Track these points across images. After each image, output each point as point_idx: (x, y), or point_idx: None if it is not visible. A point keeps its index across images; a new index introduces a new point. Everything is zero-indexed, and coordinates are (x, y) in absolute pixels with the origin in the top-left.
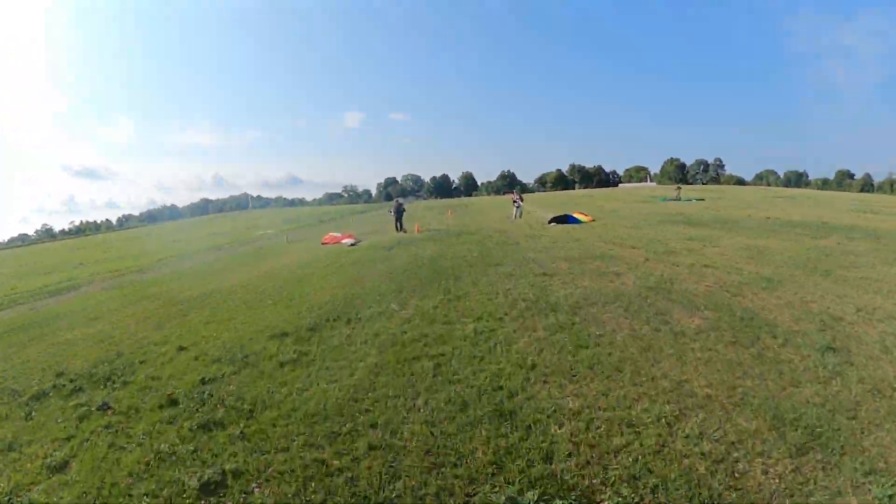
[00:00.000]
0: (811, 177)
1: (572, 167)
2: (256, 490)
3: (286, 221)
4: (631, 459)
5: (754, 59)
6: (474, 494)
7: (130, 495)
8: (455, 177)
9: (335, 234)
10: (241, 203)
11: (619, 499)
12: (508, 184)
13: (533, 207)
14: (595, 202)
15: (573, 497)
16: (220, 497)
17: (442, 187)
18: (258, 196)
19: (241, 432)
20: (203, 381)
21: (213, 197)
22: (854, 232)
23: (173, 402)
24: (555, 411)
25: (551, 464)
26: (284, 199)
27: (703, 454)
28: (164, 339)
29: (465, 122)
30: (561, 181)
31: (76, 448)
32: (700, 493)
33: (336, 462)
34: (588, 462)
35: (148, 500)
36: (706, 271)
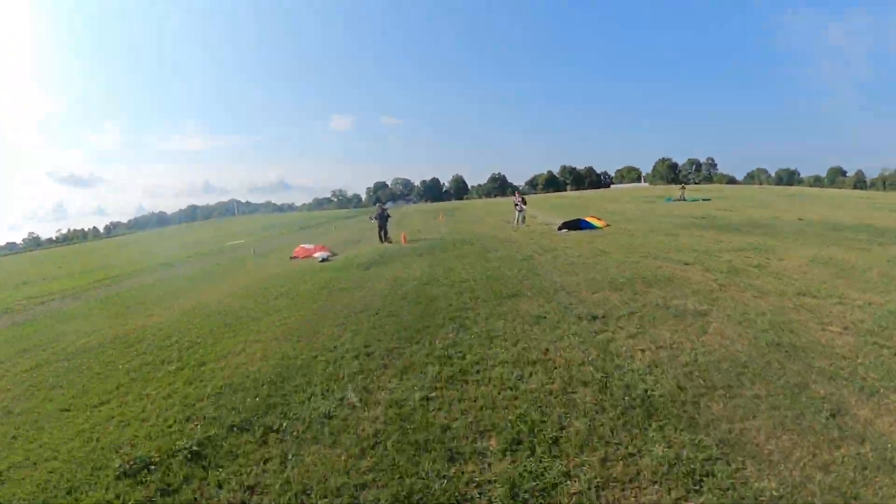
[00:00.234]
0: (803, 174)
1: (563, 168)
2: None
3: (265, 228)
4: None
5: (744, 59)
6: None
7: None
8: (446, 180)
9: (307, 245)
10: (229, 209)
11: None
12: (499, 186)
13: (533, 211)
14: (596, 203)
15: None
16: None
17: (432, 191)
18: (247, 202)
19: None
20: None
21: (201, 203)
22: None
23: None
24: None
25: None
26: (273, 204)
27: None
28: None
29: (456, 125)
30: (552, 183)
31: None
32: None
33: None
34: None
35: None
36: (816, 305)
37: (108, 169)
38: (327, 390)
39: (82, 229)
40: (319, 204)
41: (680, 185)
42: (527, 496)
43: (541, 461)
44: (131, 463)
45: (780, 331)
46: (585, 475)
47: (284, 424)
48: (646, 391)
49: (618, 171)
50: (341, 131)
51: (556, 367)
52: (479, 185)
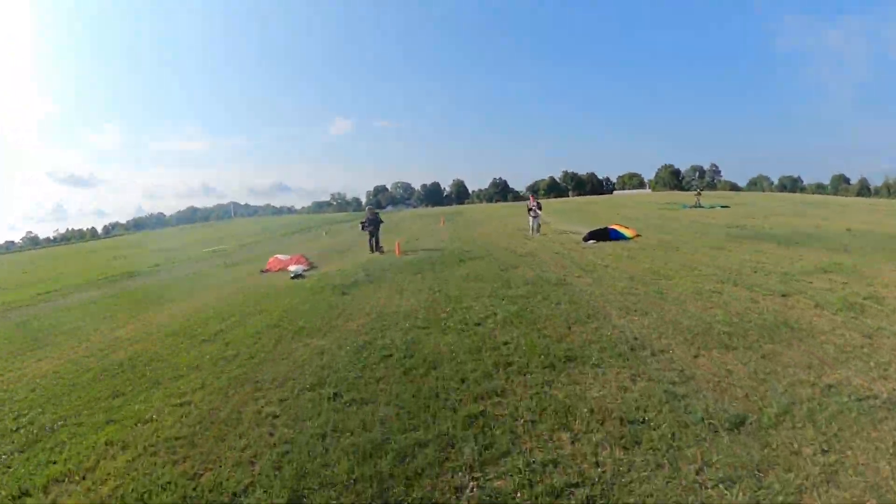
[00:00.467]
0: (805, 182)
1: (565, 174)
2: None
3: (256, 232)
4: None
5: (742, 64)
6: None
7: None
8: (446, 184)
9: (282, 257)
10: (226, 211)
11: None
12: (500, 191)
13: (545, 217)
14: (606, 210)
15: None
16: None
17: (433, 195)
18: (245, 204)
19: None
20: None
21: (200, 205)
22: None
23: None
24: None
25: None
26: (272, 206)
27: None
28: None
29: (456, 130)
30: (554, 188)
31: None
32: None
33: None
34: None
35: None
36: None
37: (108, 170)
38: None
39: (80, 229)
40: (319, 207)
41: (695, 192)
42: None
43: None
44: None
45: None
46: None
47: None
48: None
49: (619, 177)
50: (341, 134)
51: None
52: (481, 190)
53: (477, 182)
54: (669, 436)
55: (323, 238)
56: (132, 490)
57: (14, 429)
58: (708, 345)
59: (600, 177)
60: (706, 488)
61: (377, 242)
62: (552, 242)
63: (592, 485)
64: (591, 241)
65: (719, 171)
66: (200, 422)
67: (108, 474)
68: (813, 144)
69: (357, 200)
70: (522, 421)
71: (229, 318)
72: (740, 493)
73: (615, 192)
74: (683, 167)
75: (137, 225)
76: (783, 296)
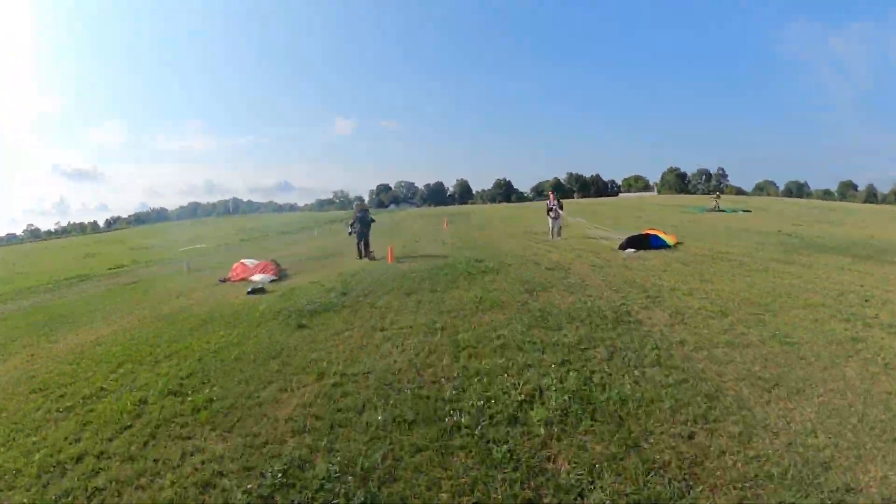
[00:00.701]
0: (812, 187)
1: (570, 175)
2: None
3: (247, 230)
4: None
5: (747, 69)
6: None
7: None
8: (450, 184)
9: (248, 262)
10: (226, 208)
11: None
12: (504, 192)
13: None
14: (618, 212)
15: None
16: None
17: (436, 194)
18: (248, 201)
19: None
20: None
21: (203, 201)
22: None
23: None
24: None
25: None
26: (275, 203)
27: None
28: None
29: (459, 129)
30: (558, 190)
31: None
32: None
33: None
34: None
35: None
36: None
37: (112, 167)
38: None
39: (82, 223)
40: (321, 205)
41: (714, 194)
42: None
43: None
44: None
45: None
46: None
47: None
48: None
49: (624, 179)
50: (344, 134)
51: None
52: (484, 191)
53: (480, 182)
54: None
55: (313, 238)
56: None
57: None
58: None
59: (605, 179)
60: None
61: (367, 246)
62: (583, 250)
63: None
64: (631, 251)
65: (726, 175)
66: None
67: None
68: (818, 150)
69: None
70: None
71: (129, 361)
72: None
73: (620, 195)
74: (689, 170)
75: (139, 220)
76: None
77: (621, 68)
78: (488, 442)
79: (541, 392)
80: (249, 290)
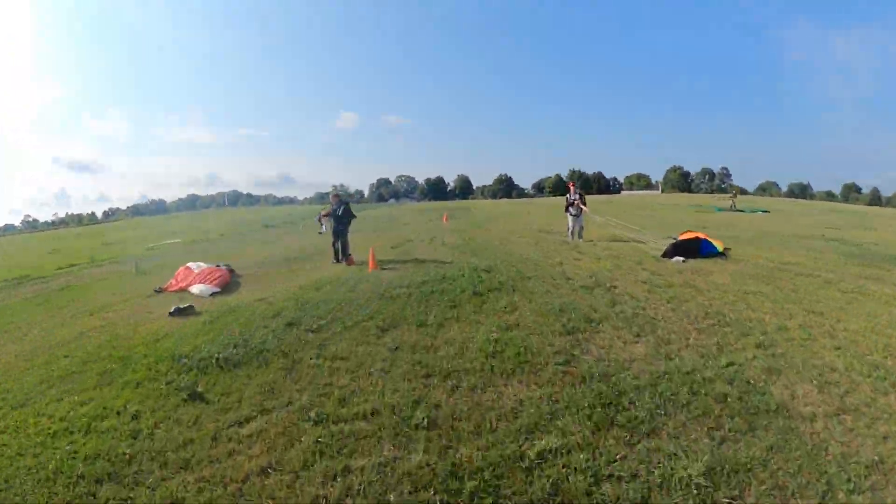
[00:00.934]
0: (814, 189)
1: (572, 172)
2: None
3: (235, 224)
4: None
5: (750, 71)
6: None
7: None
8: (450, 179)
9: (195, 266)
10: (219, 201)
11: None
12: (505, 188)
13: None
14: (628, 211)
15: None
16: None
17: (436, 189)
18: (248, 194)
19: None
20: None
21: (203, 193)
22: None
23: None
24: None
25: None
26: (275, 196)
27: None
28: None
29: (461, 125)
30: (560, 187)
31: None
32: None
33: None
34: None
35: None
36: None
37: (113, 158)
38: None
39: (79, 214)
40: (321, 198)
41: (731, 194)
42: None
43: None
44: None
45: None
46: None
47: None
48: None
49: (626, 177)
50: (347, 128)
51: None
52: (485, 186)
53: (481, 178)
54: None
55: (297, 233)
56: None
57: None
58: None
59: (607, 176)
60: None
61: (345, 248)
62: (619, 257)
63: None
64: (679, 259)
65: (729, 175)
66: None
67: None
68: (819, 152)
69: (360, 193)
70: None
71: None
72: None
73: (623, 192)
74: (692, 170)
75: (137, 212)
76: None
77: (622, 68)
78: None
79: None
80: (173, 309)
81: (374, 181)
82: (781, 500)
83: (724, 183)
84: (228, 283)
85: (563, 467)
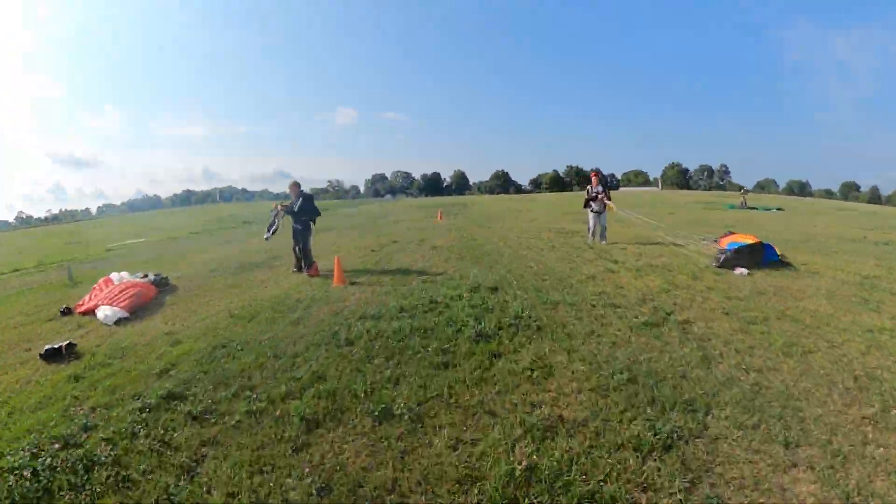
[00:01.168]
0: (813, 187)
1: (570, 168)
2: None
3: (214, 220)
4: None
5: (750, 72)
6: None
7: None
8: (447, 175)
9: (115, 277)
10: (211, 196)
11: None
12: (502, 184)
13: (621, 212)
14: (650, 208)
15: None
16: None
17: (433, 185)
18: (243, 189)
19: None
20: None
21: (198, 189)
22: None
23: None
24: None
25: None
26: (270, 192)
27: None
28: None
29: (458, 121)
30: (557, 182)
31: None
32: None
33: None
34: None
35: None
36: None
37: (109, 153)
38: None
39: (72, 210)
40: (316, 194)
41: (741, 190)
42: None
43: None
44: None
45: None
46: None
47: None
48: None
49: (624, 174)
50: (345, 124)
51: None
52: (482, 182)
53: (477, 174)
54: None
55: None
56: None
57: None
58: None
59: (605, 173)
60: None
61: (306, 254)
62: (666, 269)
63: None
64: (743, 271)
65: (728, 172)
66: None
67: None
68: (817, 150)
69: (356, 188)
70: None
71: None
72: None
73: (621, 189)
74: (691, 167)
75: (131, 207)
76: None
77: (622, 66)
78: None
79: None
80: (46, 349)
81: (370, 177)
82: None
83: (722, 180)
84: (148, 303)
85: None
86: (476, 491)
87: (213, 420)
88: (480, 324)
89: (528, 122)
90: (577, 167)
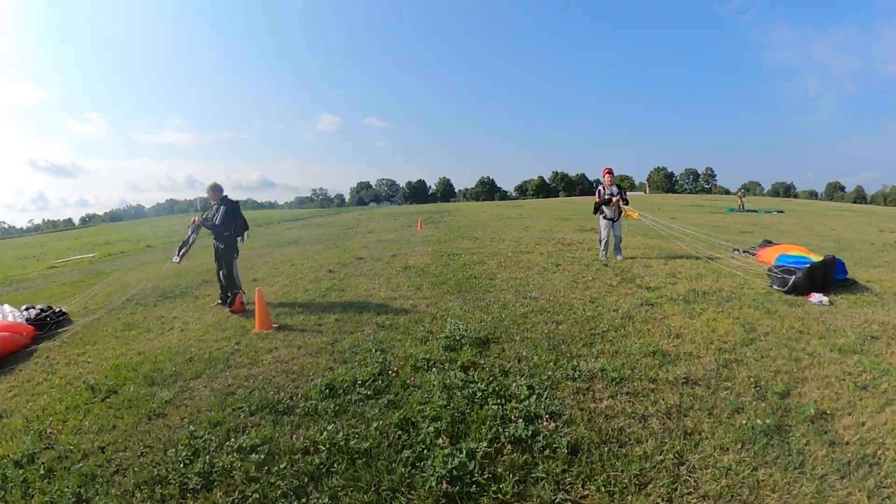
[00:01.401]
0: (798, 189)
1: (555, 174)
2: None
3: (180, 231)
4: None
5: (732, 75)
6: None
7: None
8: (432, 182)
9: (8, 311)
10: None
11: None
12: (488, 190)
13: (640, 216)
14: (647, 210)
15: None
16: None
17: (418, 192)
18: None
19: None
20: None
21: (181, 198)
22: None
23: None
24: None
25: None
26: (254, 201)
27: None
28: None
29: (443, 128)
30: (543, 188)
31: None
32: None
33: None
34: None
35: None
36: None
37: (92, 161)
38: None
39: (53, 220)
40: (301, 203)
41: (739, 193)
42: None
43: None
44: None
45: None
46: None
47: None
48: None
49: None
50: (329, 131)
51: None
52: (467, 189)
53: (463, 181)
54: None
55: (184, 251)
56: None
57: None
58: None
59: (591, 178)
60: None
61: (230, 283)
62: (716, 298)
63: None
64: (822, 298)
65: (714, 175)
66: None
67: None
68: (800, 152)
69: (341, 197)
70: None
71: None
72: None
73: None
74: (676, 171)
75: (114, 217)
76: None
77: (607, 72)
78: None
79: None
80: None
81: (355, 185)
82: None
83: (708, 183)
84: (15, 352)
85: None
86: None
87: None
88: (460, 443)
89: (513, 128)
90: (563, 173)
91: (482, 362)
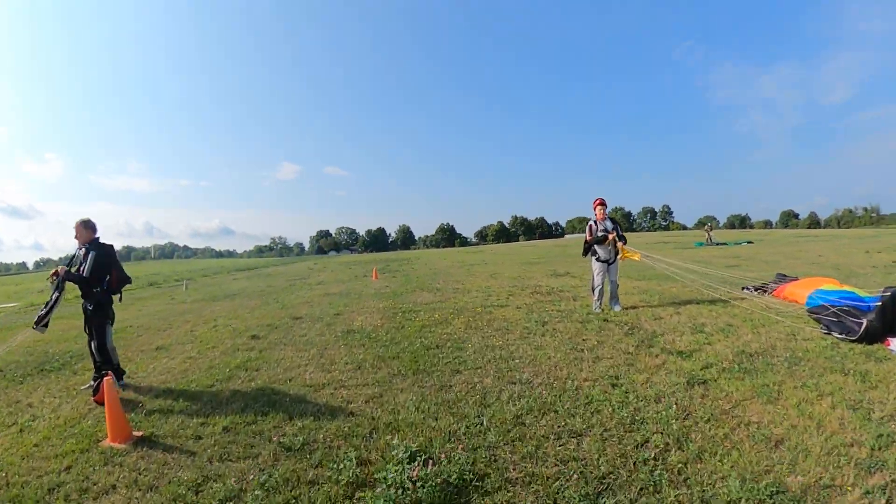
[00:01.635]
0: (753, 219)
1: (514, 219)
2: None
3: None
4: None
5: (683, 115)
6: None
7: None
8: (392, 230)
9: None
10: (163, 252)
11: None
12: (448, 237)
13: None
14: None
15: None
16: None
17: (378, 240)
18: (184, 246)
19: None
20: None
21: (139, 245)
22: None
23: None
24: None
25: None
26: (213, 249)
27: None
28: None
29: (404, 177)
30: (503, 233)
31: None
32: None
33: None
34: None
35: None
36: None
37: (49, 203)
38: None
39: (6, 263)
40: (260, 251)
41: (706, 227)
42: None
43: None
44: None
45: None
46: None
47: None
48: None
49: (568, 221)
50: (289, 179)
51: None
52: (428, 236)
53: (423, 228)
54: None
55: (168, 299)
56: None
57: None
58: None
59: (549, 221)
60: None
61: (104, 356)
62: (794, 365)
63: None
64: None
65: (671, 213)
66: None
67: None
68: (753, 184)
69: (300, 245)
70: None
71: None
72: None
73: (566, 236)
74: (633, 210)
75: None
76: None
77: (561, 115)
78: None
79: None
80: None
81: (315, 233)
82: None
83: (665, 220)
84: None
85: None
86: None
87: None
88: None
89: (473, 172)
90: (522, 217)
91: None
